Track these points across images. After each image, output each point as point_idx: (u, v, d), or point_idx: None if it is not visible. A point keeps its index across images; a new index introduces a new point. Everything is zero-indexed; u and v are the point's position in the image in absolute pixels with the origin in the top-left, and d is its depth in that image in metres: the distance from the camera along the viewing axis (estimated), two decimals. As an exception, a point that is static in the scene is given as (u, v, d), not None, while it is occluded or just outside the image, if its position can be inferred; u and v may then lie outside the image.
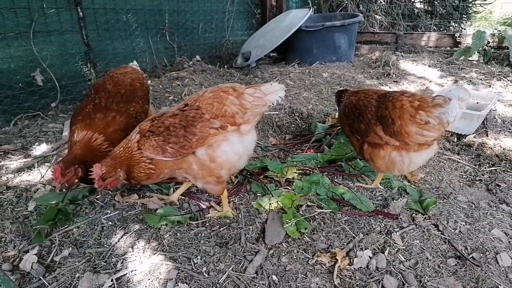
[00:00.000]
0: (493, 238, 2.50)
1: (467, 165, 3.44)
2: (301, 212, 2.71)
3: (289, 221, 2.53)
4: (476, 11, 9.74)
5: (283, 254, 2.34)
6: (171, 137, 2.32)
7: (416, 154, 2.64)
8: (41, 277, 2.14)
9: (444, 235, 2.51)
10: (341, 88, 3.49)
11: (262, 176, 3.13)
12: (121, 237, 2.46)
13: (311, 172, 3.21)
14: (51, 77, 4.46)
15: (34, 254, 2.26)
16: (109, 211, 2.72)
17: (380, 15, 8.91)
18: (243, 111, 2.46)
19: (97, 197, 2.86)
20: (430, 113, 2.43)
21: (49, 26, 4.40)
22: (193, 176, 2.48)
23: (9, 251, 2.33)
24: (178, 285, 2.09)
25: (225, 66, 6.63)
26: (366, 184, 3.11)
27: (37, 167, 3.26)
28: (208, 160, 2.41)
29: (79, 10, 4.62)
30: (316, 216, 2.68)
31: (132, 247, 2.38)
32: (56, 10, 4.42)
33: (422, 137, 2.51)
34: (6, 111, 4.11)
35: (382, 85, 5.71)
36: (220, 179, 2.51)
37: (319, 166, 3.31)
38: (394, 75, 6.16)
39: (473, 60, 6.94)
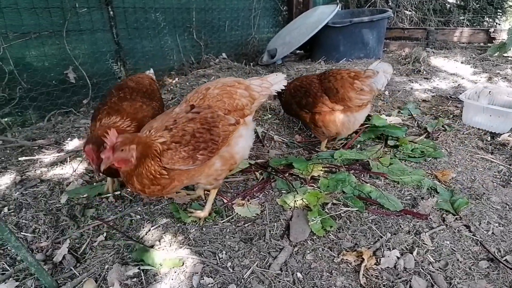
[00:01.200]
0: (529, 241, 2.40)
1: (501, 165, 3.30)
2: (326, 210, 2.68)
3: (314, 219, 2.51)
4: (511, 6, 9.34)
5: (308, 251, 2.33)
6: (200, 144, 2.21)
7: (357, 113, 3.26)
8: (72, 268, 2.21)
9: (476, 237, 2.43)
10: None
11: (287, 174, 3.12)
12: (149, 230, 2.52)
13: (337, 170, 3.17)
14: (83, 75, 4.60)
15: (67, 247, 2.34)
16: (137, 205, 2.78)
17: (410, 11, 8.69)
18: (252, 102, 2.54)
19: (127, 190, 2.93)
20: (364, 82, 3.12)
21: (81, 25, 4.53)
22: (213, 178, 2.45)
23: (42, 242, 2.42)
24: (203, 279, 2.12)
25: (251, 64, 6.64)
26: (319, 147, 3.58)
27: (69, 161, 3.37)
28: (228, 158, 2.43)
29: (110, 9, 4.74)
30: (342, 215, 2.64)
31: (159, 240, 2.42)
32: (87, 10, 4.55)
33: (359, 100, 3.15)
34: (41, 107, 4.27)
35: (412, 82, 5.57)
36: (226, 175, 2.58)
37: (345, 164, 3.27)
38: (424, 72, 5.99)
39: (508, 56, 6.65)
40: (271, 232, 2.50)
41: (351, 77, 3.16)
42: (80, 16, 4.51)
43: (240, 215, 2.66)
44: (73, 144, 3.69)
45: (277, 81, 2.76)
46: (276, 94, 3.59)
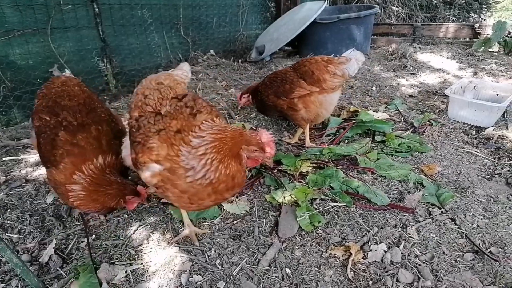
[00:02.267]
0: (512, 232, 2.44)
1: (486, 159, 3.36)
2: (314, 205, 2.70)
3: (303, 215, 2.52)
4: (496, 1, 9.47)
5: (297, 247, 2.34)
6: None
7: (332, 95, 3.46)
8: (58, 268, 2.19)
9: (461, 229, 2.47)
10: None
11: (275, 170, 3.13)
12: (137, 229, 2.50)
13: (325, 166, 3.19)
14: (69, 73, 4.52)
15: (53, 248, 2.31)
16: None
17: (397, 7, 8.75)
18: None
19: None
20: (337, 66, 3.33)
21: (66, 22, 4.46)
22: None
23: (28, 243, 2.39)
24: (192, 277, 2.11)
25: (239, 60, 6.62)
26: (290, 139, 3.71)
27: (55, 160, 3.32)
28: None
29: (95, 6, 4.67)
30: (330, 210, 2.66)
31: (147, 239, 2.41)
32: (72, 6, 4.48)
33: (333, 83, 3.36)
34: (25, 106, 4.20)
35: (399, 77, 5.62)
36: None
37: (333, 159, 3.29)
38: (411, 67, 6.05)
39: (493, 51, 6.76)
40: (260, 228, 2.51)
41: (324, 61, 3.38)
42: (65, 13, 4.43)
43: (229, 212, 2.66)
44: (59, 143, 3.64)
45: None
46: (251, 96, 3.90)
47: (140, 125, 2.06)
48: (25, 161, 3.31)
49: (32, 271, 2.04)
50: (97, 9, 4.70)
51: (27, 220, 2.57)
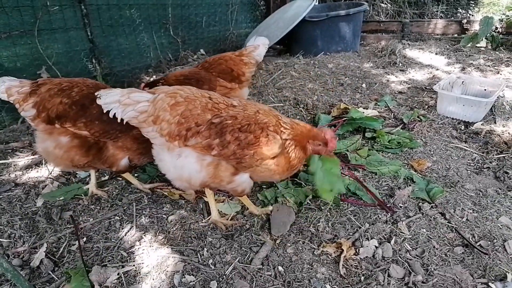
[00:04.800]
0: (501, 225, 2.48)
1: (475, 153, 3.40)
2: (307, 201, 2.71)
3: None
4: (484, -3, 9.57)
5: (289, 244, 2.35)
6: None
7: (247, 88, 3.65)
8: (50, 272, 2.18)
9: (451, 224, 2.50)
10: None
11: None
12: (128, 230, 2.49)
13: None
14: (57, 75, 4.47)
15: (44, 251, 2.29)
16: (116, 206, 2.75)
17: (385, 3, 8.80)
18: None
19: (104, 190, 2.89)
20: (250, 56, 3.50)
21: (53, 24, 4.41)
22: None
23: (18, 247, 2.36)
24: (184, 277, 2.11)
25: (230, 59, 6.60)
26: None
27: (45, 163, 3.29)
28: None
29: (83, 7, 4.62)
30: (322, 207, 2.68)
31: (139, 241, 2.40)
32: (59, 8, 4.43)
33: (249, 74, 3.54)
34: (14, 109, 4.08)
35: (388, 74, 5.65)
36: None
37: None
38: (400, 64, 6.09)
39: (481, 47, 6.82)
40: (252, 227, 2.52)
41: (237, 55, 3.53)
42: (52, 14, 4.38)
43: (221, 211, 2.66)
44: (48, 146, 3.61)
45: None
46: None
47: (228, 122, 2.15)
48: (14, 165, 3.28)
49: (23, 275, 2.03)
50: (84, 10, 4.65)
51: (17, 224, 2.54)
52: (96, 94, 2.14)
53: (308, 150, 2.33)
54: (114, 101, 2.10)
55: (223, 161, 2.20)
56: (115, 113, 2.10)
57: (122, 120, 2.12)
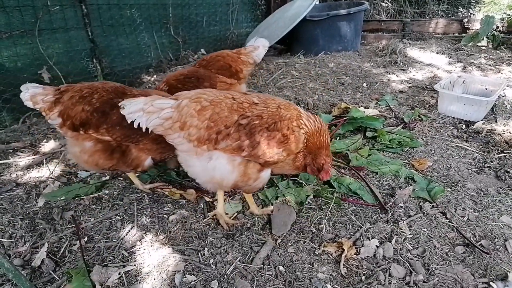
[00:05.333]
0: (502, 225, 2.48)
1: (476, 152, 3.39)
2: (308, 201, 2.71)
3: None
4: (485, -4, 9.54)
5: (290, 244, 2.35)
6: None
7: (244, 84, 3.80)
8: (51, 272, 2.18)
9: (452, 223, 2.49)
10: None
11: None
12: (129, 230, 2.49)
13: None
14: (58, 75, 4.49)
15: (45, 251, 2.30)
16: (117, 206, 2.75)
17: (386, 3, 8.79)
18: None
19: (105, 192, 2.89)
20: (248, 56, 3.62)
21: (54, 24, 4.42)
22: None
23: (20, 247, 2.37)
24: (185, 277, 2.12)
25: (230, 59, 6.60)
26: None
27: (46, 163, 3.30)
28: None
29: (83, 6, 4.63)
30: (323, 207, 2.68)
31: (140, 240, 2.41)
32: (60, 7, 4.43)
33: (247, 72, 3.64)
34: (15, 109, 4.16)
35: (389, 73, 5.65)
36: None
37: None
38: (401, 63, 6.08)
39: (482, 46, 6.81)
40: (253, 226, 2.52)
41: (236, 53, 3.64)
42: (53, 14, 4.39)
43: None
44: (49, 146, 3.61)
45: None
46: None
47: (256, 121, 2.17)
48: (15, 165, 3.28)
49: (25, 275, 2.03)
50: (85, 10, 4.66)
51: (18, 224, 2.55)
52: (119, 104, 2.17)
53: (306, 160, 2.31)
54: (138, 109, 2.11)
55: (251, 160, 2.22)
56: (139, 123, 2.11)
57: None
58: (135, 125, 2.12)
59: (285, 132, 2.16)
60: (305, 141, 2.25)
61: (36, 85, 2.51)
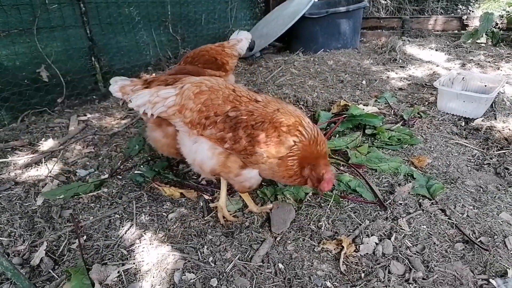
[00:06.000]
0: (502, 221, 2.48)
1: (475, 149, 3.39)
2: (308, 198, 2.71)
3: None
4: (484, -7, 9.52)
5: (289, 242, 2.35)
6: None
7: (232, 74, 3.74)
8: (50, 270, 2.17)
9: (452, 220, 2.49)
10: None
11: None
12: (128, 229, 2.49)
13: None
14: (56, 73, 4.47)
15: (44, 250, 2.29)
16: (116, 204, 2.75)
17: (385, 0, 8.77)
18: None
19: (104, 190, 2.89)
20: (232, 48, 3.65)
21: (52, 22, 4.40)
22: None
23: (18, 245, 2.36)
24: (185, 275, 2.11)
25: (229, 57, 6.58)
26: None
27: (45, 162, 3.29)
28: None
29: (81, 4, 4.60)
30: (322, 204, 2.67)
31: (139, 239, 2.40)
32: (58, 6, 4.41)
33: (232, 64, 3.65)
34: (13, 108, 4.14)
35: (388, 71, 5.64)
36: None
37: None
38: (400, 60, 6.07)
39: (481, 43, 6.79)
40: (252, 224, 2.51)
41: (219, 46, 3.65)
42: (51, 12, 4.36)
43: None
44: (47, 144, 3.60)
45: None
46: None
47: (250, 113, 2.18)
48: (14, 163, 3.27)
49: (24, 274, 2.03)
50: (83, 8, 4.63)
51: (17, 222, 2.54)
52: (126, 99, 2.31)
53: (304, 172, 2.20)
54: (145, 102, 2.22)
55: (233, 154, 2.23)
56: (144, 110, 2.25)
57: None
58: (140, 112, 2.27)
59: (269, 133, 2.11)
60: (294, 147, 2.14)
61: (124, 78, 2.70)
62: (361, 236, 2.36)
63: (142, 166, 3.19)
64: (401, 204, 2.67)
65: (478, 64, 5.66)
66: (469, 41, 6.78)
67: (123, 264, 2.20)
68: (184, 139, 2.37)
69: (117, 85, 2.62)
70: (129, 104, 2.27)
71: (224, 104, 2.19)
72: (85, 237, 2.44)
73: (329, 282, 2.07)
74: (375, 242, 2.30)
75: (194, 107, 2.19)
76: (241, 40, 3.79)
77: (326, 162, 2.23)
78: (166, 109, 2.22)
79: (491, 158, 3.23)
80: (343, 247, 2.24)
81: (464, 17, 7.37)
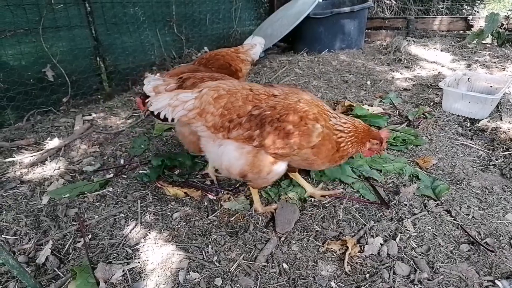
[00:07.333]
0: (507, 223, 2.46)
1: (481, 150, 3.37)
2: (312, 200, 2.71)
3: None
4: (490, -7, 9.48)
5: (294, 242, 2.35)
6: None
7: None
8: (55, 269, 2.19)
9: (457, 221, 2.48)
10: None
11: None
12: (133, 228, 2.50)
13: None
14: (62, 73, 4.50)
15: (49, 248, 2.31)
16: (121, 203, 2.76)
17: (390, 0, 8.75)
18: None
19: (109, 190, 2.90)
20: (247, 54, 3.66)
21: (57, 22, 4.42)
22: None
23: (24, 244, 2.38)
24: (189, 274, 2.12)
25: (234, 57, 6.59)
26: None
27: (50, 161, 3.31)
28: None
29: (87, 4, 4.62)
30: (326, 205, 2.67)
31: (144, 238, 2.41)
32: (64, 5, 4.43)
33: (245, 71, 3.65)
34: (19, 107, 4.17)
35: (393, 71, 5.62)
36: None
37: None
38: (405, 61, 6.05)
39: (486, 43, 6.76)
40: (257, 224, 2.51)
41: (234, 52, 3.66)
42: (57, 12, 4.39)
43: (225, 209, 2.65)
44: (53, 143, 3.62)
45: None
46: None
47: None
48: (19, 163, 3.29)
49: (29, 272, 2.04)
50: (89, 8, 4.65)
51: (23, 221, 2.56)
52: (146, 101, 2.30)
53: (366, 147, 2.42)
54: (165, 105, 2.21)
55: (262, 151, 2.23)
56: (165, 115, 2.23)
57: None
58: (161, 116, 2.24)
59: (296, 123, 2.14)
60: (347, 138, 2.31)
61: (157, 77, 2.70)
62: (366, 237, 2.36)
63: (151, 161, 3.20)
64: (406, 205, 2.66)
65: (484, 64, 5.63)
66: (475, 41, 6.75)
67: (128, 263, 2.20)
68: (208, 145, 2.37)
69: (150, 84, 2.62)
70: (149, 108, 2.25)
71: (244, 105, 2.20)
72: (90, 236, 2.45)
73: (334, 282, 2.07)
74: (380, 243, 2.30)
75: (215, 111, 2.18)
76: (255, 45, 3.78)
77: (371, 129, 2.45)
78: (186, 113, 2.22)
79: (496, 159, 3.21)
80: (347, 247, 2.23)
81: (470, 17, 7.34)
